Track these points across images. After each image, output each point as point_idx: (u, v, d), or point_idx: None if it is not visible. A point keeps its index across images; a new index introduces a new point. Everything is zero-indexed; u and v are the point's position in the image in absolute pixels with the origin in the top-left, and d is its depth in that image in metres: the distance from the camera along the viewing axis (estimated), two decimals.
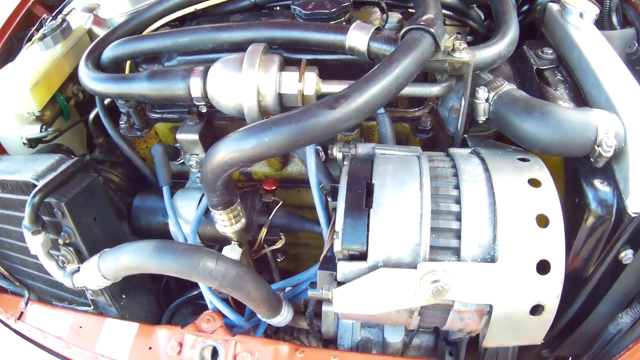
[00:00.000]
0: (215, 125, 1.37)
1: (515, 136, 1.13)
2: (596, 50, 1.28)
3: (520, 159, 1.06)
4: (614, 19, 1.50)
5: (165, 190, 1.30)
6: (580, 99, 1.26)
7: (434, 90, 1.19)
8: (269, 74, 1.13)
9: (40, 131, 1.38)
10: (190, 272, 1.00)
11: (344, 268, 0.97)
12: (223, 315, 1.20)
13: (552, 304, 0.94)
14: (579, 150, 1.09)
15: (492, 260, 0.93)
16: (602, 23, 1.50)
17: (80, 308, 1.35)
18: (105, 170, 1.47)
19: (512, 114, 1.11)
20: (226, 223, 1.15)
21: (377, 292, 0.95)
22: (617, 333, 1.26)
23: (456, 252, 0.95)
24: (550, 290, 0.92)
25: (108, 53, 1.32)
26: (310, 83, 1.14)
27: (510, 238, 0.92)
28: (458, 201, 0.98)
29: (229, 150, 0.96)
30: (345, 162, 1.08)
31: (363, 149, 1.14)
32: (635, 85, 1.20)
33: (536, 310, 0.94)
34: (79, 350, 1.24)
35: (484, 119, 1.18)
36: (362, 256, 0.97)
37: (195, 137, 1.30)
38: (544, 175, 1.01)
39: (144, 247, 1.03)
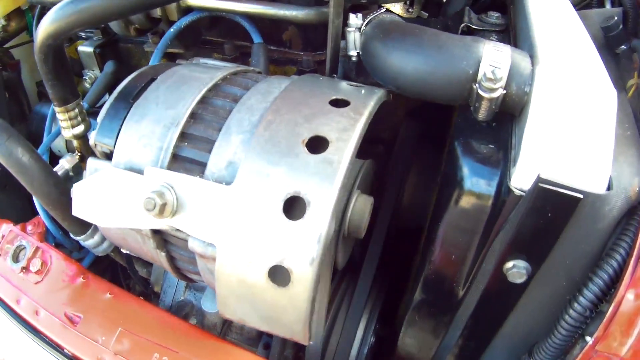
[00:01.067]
0: (120, 47, 1.33)
1: (372, 68, 0.84)
2: (544, 8, 0.91)
3: (350, 84, 0.78)
4: (608, 5, 1.11)
5: None
6: None
7: (291, 13, 0.97)
8: None
9: None
10: None
11: (90, 166, 0.80)
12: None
13: (302, 271, 0.62)
14: (449, 90, 0.76)
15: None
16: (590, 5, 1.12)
17: None
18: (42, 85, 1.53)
19: (372, 40, 0.84)
20: (64, 124, 1.06)
21: (107, 198, 0.75)
22: None
23: (204, 168, 0.71)
24: (299, 246, 0.62)
25: None
26: None
27: (257, 156, 0.65)
28: (232, 109, 0.74)
29: (43, 24, 0.89)
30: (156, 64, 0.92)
31: (197, 61, 0.96)
32: (577, 35, 0.82)
33: (278, 274, 0.64)
34: None
35: (355, 55, 0.92)
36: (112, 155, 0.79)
37: (91, 50, 1.26)
38: (362, 98, 0.72)
39: None
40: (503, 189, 0.73)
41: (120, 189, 0.73)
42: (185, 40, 1.15)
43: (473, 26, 1.03)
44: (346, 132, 0.65)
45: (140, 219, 0.71)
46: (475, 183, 0.75)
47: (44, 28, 0.85)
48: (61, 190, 0.99)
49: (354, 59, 0.93)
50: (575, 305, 0.73)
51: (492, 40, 1.01)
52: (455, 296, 0.87)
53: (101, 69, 1.29)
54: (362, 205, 0.80)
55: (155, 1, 0.82)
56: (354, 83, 0.79)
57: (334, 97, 0.71)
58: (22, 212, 1.37)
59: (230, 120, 0.72)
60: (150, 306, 0.93)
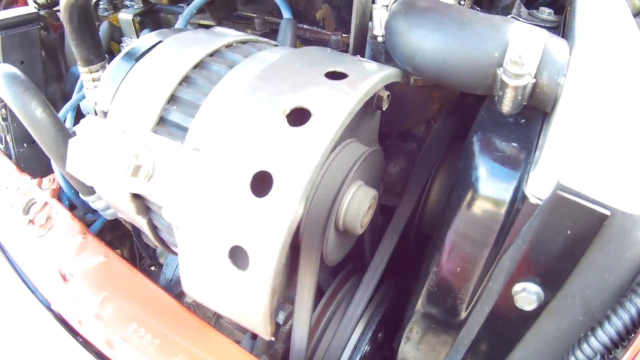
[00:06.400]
0: (161, 17, 1.33)
1: (391, 46, 0.75)
2: (602, 7, 0.78)
3: (361, 60, 0.70)
4: None
5: None
6: None
7: None
8: None
9: None
10: (3, 92, 0.96)
11: (87, 123, 0.79)
12: None
13: (261, 256, 0.55)
14: (470, 75, 0.66)
15: None
16: None
17: None
18: None
19: (394, 15, 0.74)
20: (88, 85, 1.08)
21: (96, 156, 0.73)
22: None
23: (186, 134, 0.67)
24: (261, 227, 0.55)
25: None
26: None
27: (231, 124, 0.59)
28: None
29: None
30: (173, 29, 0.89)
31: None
32: (630, 34, 0.68)
33: (239, 256, 0.58)
34: None
35: (381, 35, 0.83)
36: None
37: (129, 17, 1.28)
38: (364, 73, 0.63)
39: None
40: (519, 195, 0.61)
41: (107, 148, 0.71)
42: (218, 13, 1.12)
43: (519, 19, 0.91)
44: (333, 106, 0.57)
45: (117, 180, 0.68)
46: (491, 185, 0.64)
47: None
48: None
49: (379, 39, 0.84)
50: (585, 346, 0.59)
51: None
52: (458, 314, 0.76)
53: (138, 36, 1.31)
54: (360, 198, 0.72)
55: None
56: (368, 60, 0.71)
57: (332, 69, 0.64)
58: (47, 169, 1.41)
59: (218, 86, 0.67)
60: (141, 276, 0.90)
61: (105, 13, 1.46)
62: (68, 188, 1.11)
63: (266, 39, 0.85)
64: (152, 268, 1.30)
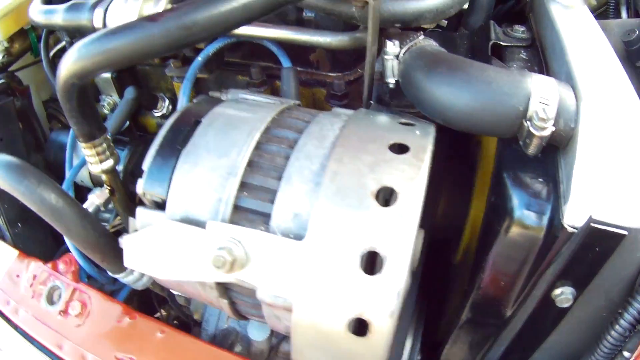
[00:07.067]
0: (138, 70, 1.30)
1: (416, 100, 0.84)
2: (575, 27, 0.94)
3: (403, 123, 0.79)
4: (623, 13, 1.14)
5: None
6: None
7: (324, 39, 0.96)
8: (158, 5, 1.02)
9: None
10: (15, 188, 0.91)
11: (142, 216, 0.79)
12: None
13: (381, 323, 0.64)
14: (500, 126, 0.77)
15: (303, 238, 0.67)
16: (607, 15, 1.15)
17: None
18: (55, 109, 1.49)
19: (416, 70, 0.84)
20: (91, 159, 1.04)
21: (164, 251, 0.75)
22: None
23: (267, 219, 0.71)
24: (379, 300, 0.63)
25: None
26: None
27: (327, 211, 0.66)
28: (288, 156, 0.74)
29: (66, 62, 0.86)
30: (195, 100, 0.91)
31: (233, 94, 0.95)
32: (612, 63, 0.84)
33: (356, 325, 0.66)
34: None
35: (394, 82, 0.92)
36: (164, 205, 0.78)
37: (108, 76, 1.23)
38: (419, 141, 0.72)
39: None
40: (555, 223, 0.75)
41: (180, 243, 0.73)
42: (210, 65, 1.13)
43: (501, 43, 1.04)
44: (413, 182, 0.66)
45: (206, 273, 0.71)
46: (527, 216, 0.77)
47: (68, 66, 0.82)
48: (99, 232, 0.97)
49: (391, 85, 0.93)
50: (617, 326, 0.77)
51: (522, 56, 1.04)
52: (501, 317, 0.90)
53: (119, 94, 1.26)
54: (417, 240, 0.82)
55: (195, 39, 0.79)
56: (404, 120, 0.79)
57: (392, 142, 0.72)
58: (45, 246, 1.34)
59: (289, 168, 0.72)
60: (202, 344, 0.93)
61: None
62: (90, 268, 1.08)
63: (292, 101, 0.90)
64: (175, 322, 1.31)
